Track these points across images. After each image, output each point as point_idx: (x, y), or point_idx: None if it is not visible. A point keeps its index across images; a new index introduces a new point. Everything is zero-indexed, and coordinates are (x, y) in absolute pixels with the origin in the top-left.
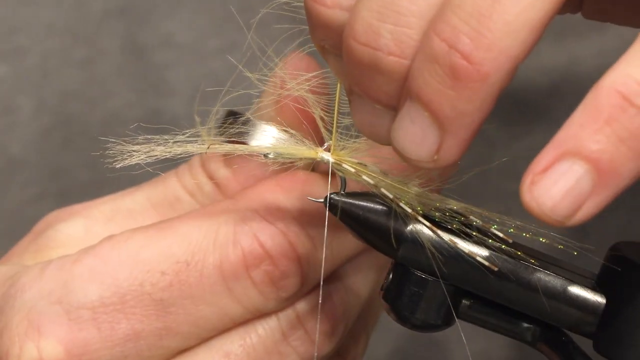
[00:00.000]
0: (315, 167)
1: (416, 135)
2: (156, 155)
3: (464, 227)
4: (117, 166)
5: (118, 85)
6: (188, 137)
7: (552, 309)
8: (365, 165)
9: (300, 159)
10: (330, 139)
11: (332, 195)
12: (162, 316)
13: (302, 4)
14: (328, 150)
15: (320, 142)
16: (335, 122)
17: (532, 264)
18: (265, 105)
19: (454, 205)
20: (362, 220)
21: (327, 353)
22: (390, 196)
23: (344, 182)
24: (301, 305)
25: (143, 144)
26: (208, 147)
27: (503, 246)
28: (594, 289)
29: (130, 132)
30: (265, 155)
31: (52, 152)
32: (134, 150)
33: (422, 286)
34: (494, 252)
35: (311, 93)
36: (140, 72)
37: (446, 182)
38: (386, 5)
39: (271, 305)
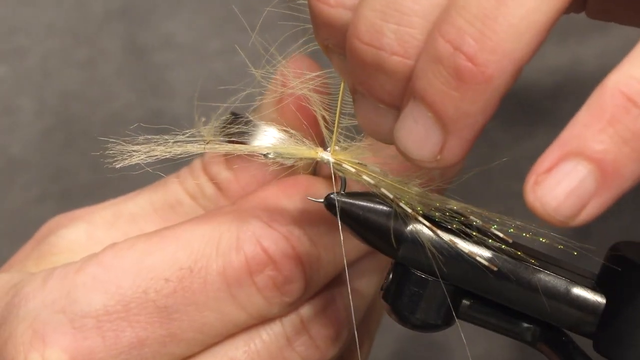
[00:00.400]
0: (317, 169)
1: (419, 135)
2: (156, 156)
3: (464, 227)
4: (117, 166)
5: (119, 86)
6: (188, 137)
7: (552, 309)
8: (365, 165)
9: (300, 159)
10: (331, 139)
11: (332, 195)
12: (166, 323)
13: (306, 3)
14: (328, 150)
15: (321, 142)
16: (337, 122)
17: (532, 264)
18: (266, 106)
19: (454, 205)
20: (362, 220)
21: (331, 358)
22: (391, 196)
23: (344, 182)
24: (305, 310)
25: (143, 144)
26: (208, 142)
27: (503, 246)
28: (594, 289)
29: (131, 132)
30: (265, 155)
31: (53, 153)
32: (134, 151)
33: (422, 286)
34: (494, 252)
35: (313, 93)
36: (141, 73)
37: (450, 183)
38: (389, 5)
39: (275, 310)
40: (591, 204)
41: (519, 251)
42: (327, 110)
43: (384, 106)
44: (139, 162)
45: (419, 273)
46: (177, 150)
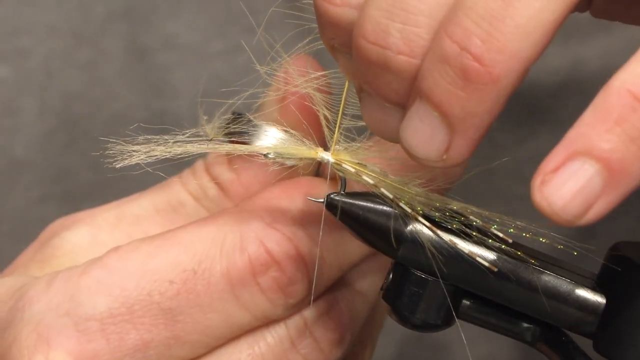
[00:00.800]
0: (320, 170)
1: (425, 135)
2: (156, 156)
3: (464, 227)
4: (118, 166)
5: (121, 87)
6: (188, 137)
7: (552, 309)
8: (365, 166)
9: (301, 159)
10: (332, 140)
11: (331, 195)
12: (171, 325)
13: (311, 3)
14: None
15: (321, 142)
16: (338, 122)
17: (533, 264)
18: (267, 104)
19: (454, 205)
20: (362, 220)
21: (338, 358)
22: (390, 196)
23: (344, 182)
24: (309, 313)
25: (143, 144)
26: (211, 140)
27: (503, 246)
28: (594, 289)
29: (131, 133)
30: (265, 155)
31: (55, 154)
32: (134, 151)
33: (422, 286)
34: (494, 252)
35: (316, 92)
36: (143, 74)
37: (453, 183)
38: (395, 4)
39: (279, 311)
40: (598, 204)
41: (519, 251)
42: (329, 110)
43: (390, 105)
44: (139, 162)
45: (419, 273)
46: (178, 150)
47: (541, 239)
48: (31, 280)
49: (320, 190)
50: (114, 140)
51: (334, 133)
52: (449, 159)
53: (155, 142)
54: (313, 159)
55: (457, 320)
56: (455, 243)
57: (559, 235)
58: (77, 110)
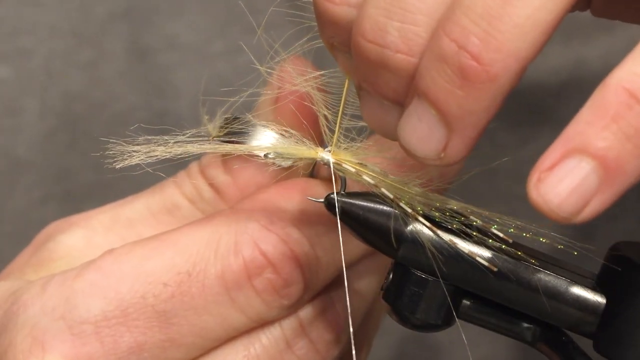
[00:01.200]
0: (315, 171)
1: (423, 133)
2: (157, 156)
3: (464, 227)
4: (117, 167)
5: (122, 87)
6: (189, 137)
7: (552, 309)
8: (365, 165)
9: (300, 159)
10: (331, 139)
11: (332, 195)
12: (165, 328)
13: (311, 2)
14: (328, 150)
15: (319, 141)
16: (338, 122)
17: (533, 264)
18: (263, 104)
19: (454, 205)
20: (362, 220)
21: (335, 357)
22: (391, 196)
23: (344, 182)
24: (305, 313)
25: (143, 144)
26: (212, 138)
27: (503, 246)
28: (594, 289)
29: (131, 133)
30: (265, 155)
31: (56, 154)
32: (134, 151)
33: (422, 286)
34: (494, 252)
35: (313, 91)
36: (144, 74)
37: (450, 182)
38: (394, 3)
39: (274, 313)
40: (594, 201)
41: (519, 251)
42: (327, 109)
43: (389, 103)
44: (139, 162)
45: (419, 273)
46: (178, 150)
47: (541, 239)
48: (26, 284)
49: (316, 191)
50: (114, 140)
51: (333, 133)
52: (446, 158)
53: (155, 142)
54: (313, 159)
55: (457, 320)
56: (455, 243)
57: (559, 235)
58: (78, 110)
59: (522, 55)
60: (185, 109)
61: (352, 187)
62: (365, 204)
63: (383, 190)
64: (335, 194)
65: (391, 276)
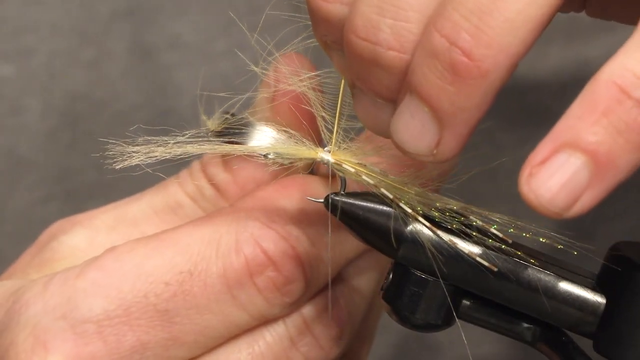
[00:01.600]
0: (315, 168)
1: (415, 129)
2: (157, 156)
3: (463, 227)
4: (118, 167)
5: (125, 86)
6: (189, 137)
7: (552, 309)
8: (365, 166)
9: (300, 159)
10: (330, 139)
11: (332, 196)
12: (168, 327)
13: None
14: (328, 150)
15: (319, 140)
16: (337, 122)
17: (532, 264)
18: (260, 103)
19: (454, 205)
20: (362, 221)
21: (335, 357)
22: (390, 196)
23: (343, 182)
24: (307, 310)
25: (144, 145)
26: (211, 132)
27: (503, 246)
28: (594, 289)
29: (130, 134)
30: (265, 156)
31: (60, 154)
32: (134, 152)
33: (422, 286)
34: (494, 252)
35: (310, 91)
36: (147, 73)
37: (445, 180)
38: (386, 0)
39: (276, 311)
40: (585, 196)
41: (519, 251)
42: (324, 109)
43: (382, 100)
44: (139, 163)
45: (419, 273)
46: (177, 151)
47: (541, 239)
48: (28, 283)
49: (316, 188)
50: (114, 141)
51: (331, 132)
52: (439, 154)
53: (155, 143)
54: (313, 159)
55: (457, 320)
56: (455, 243)
57: (559, 235)
58: (80, 109)
59: (513, 51)
60: (188, 108)
61: (351, 187)
62: (365, 204)
63: (383, 190)
64: (335, 194)
65: (391, 276)
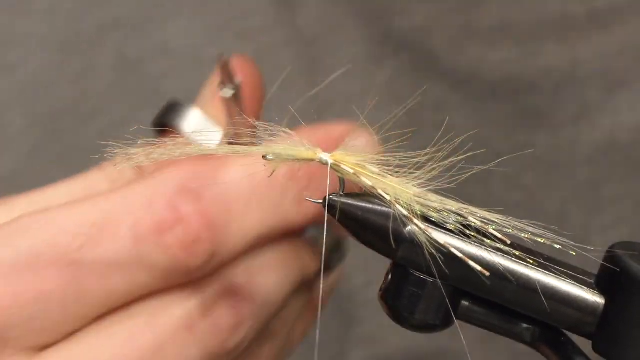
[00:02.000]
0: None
1: None
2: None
3: (462, 228)
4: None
5: (112, 99)
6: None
7: (551, 310)
8: (364, 166)
9: (299, 159)
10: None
11: (331, 196)
12: (74, 279)
13: (304, 3)
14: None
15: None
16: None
17: (531, 264)
18: (204, 95)
19: (453, 205)
20: (361, 221)
21: (233, 346)
22: (389, 197)
23: (342, 182)
24: (210, 293)
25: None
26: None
27: (502, 247)
28: (593, 289)
29: (122, 144)
30: (264, 157)
31: (44, 168)
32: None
33: (421, 287)
34: (493, 253)
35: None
36: (134, 86)
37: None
38: None
39: (180, 274)
40: None
41: (518, 251)
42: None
43: None
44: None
45: (417, 274)
46: (176, 152)
47: (540, 239)
48: None
49: (233, 164)
50: (99, 155)
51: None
52: None
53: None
54: (312, 160)
55: (456, 321)
56: (449, 245)
57: (558, 235)
58: (66, 123)
59: None
60: None
61: (351, 188)
62: (364, 204)
63: (381, 191)
64: (334, 194)
65: (390, 277)
